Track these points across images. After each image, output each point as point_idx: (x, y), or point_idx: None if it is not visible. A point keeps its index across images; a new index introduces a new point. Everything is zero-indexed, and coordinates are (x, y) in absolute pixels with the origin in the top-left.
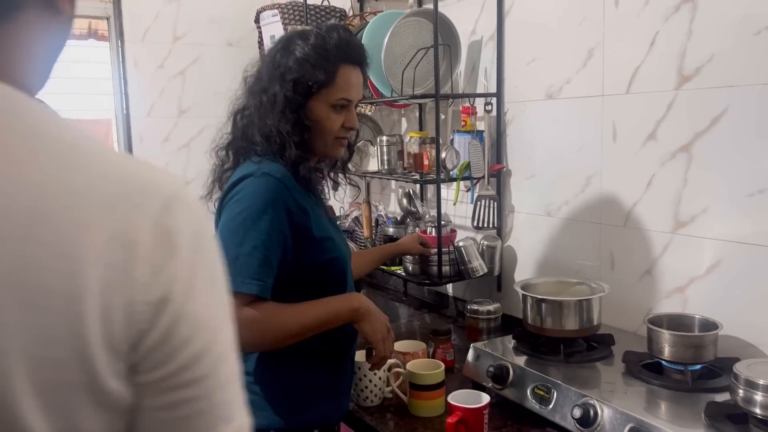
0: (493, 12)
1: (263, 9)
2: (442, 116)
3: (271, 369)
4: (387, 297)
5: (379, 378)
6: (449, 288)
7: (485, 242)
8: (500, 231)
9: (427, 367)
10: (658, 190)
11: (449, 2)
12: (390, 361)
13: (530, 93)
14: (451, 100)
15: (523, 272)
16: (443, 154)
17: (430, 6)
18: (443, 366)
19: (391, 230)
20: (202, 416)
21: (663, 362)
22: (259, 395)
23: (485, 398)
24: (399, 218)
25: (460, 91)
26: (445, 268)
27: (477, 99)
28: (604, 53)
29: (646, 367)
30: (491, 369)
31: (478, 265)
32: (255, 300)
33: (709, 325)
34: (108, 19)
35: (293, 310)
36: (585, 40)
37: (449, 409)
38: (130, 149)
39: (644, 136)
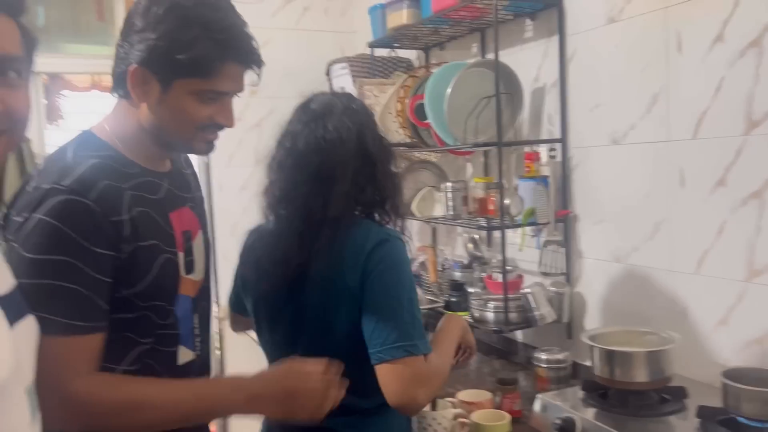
0: (556, 59)
1: (333, 62)
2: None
3: (367, 428)
4: None
5: (444, 428)
6: (518, 334)
7: (553, 288)
8: (569, 277)
9: (493, 418)
10: (730, 237)
11: (512, 50)
12: (455, 411)
13: (595, 138)
14: (513, 147)
15: (593, 319)
16: (507, 201)
17: (493, 56)
18: (509, 417)
19: (457, 274)
20: None
21: (740, 419)
22: None
23: None
24: (466, 262)
25: (524, 137)
26: (512, 315)
27: (541, 144)
28: (669, 99)
29: (723, 423)
30: (558, 421)
31: (546, 312)
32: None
33: None
34: None
35: (439, 354)
36: (649, 86)
37: None
38: (210, 196)
39: (713, 182)
